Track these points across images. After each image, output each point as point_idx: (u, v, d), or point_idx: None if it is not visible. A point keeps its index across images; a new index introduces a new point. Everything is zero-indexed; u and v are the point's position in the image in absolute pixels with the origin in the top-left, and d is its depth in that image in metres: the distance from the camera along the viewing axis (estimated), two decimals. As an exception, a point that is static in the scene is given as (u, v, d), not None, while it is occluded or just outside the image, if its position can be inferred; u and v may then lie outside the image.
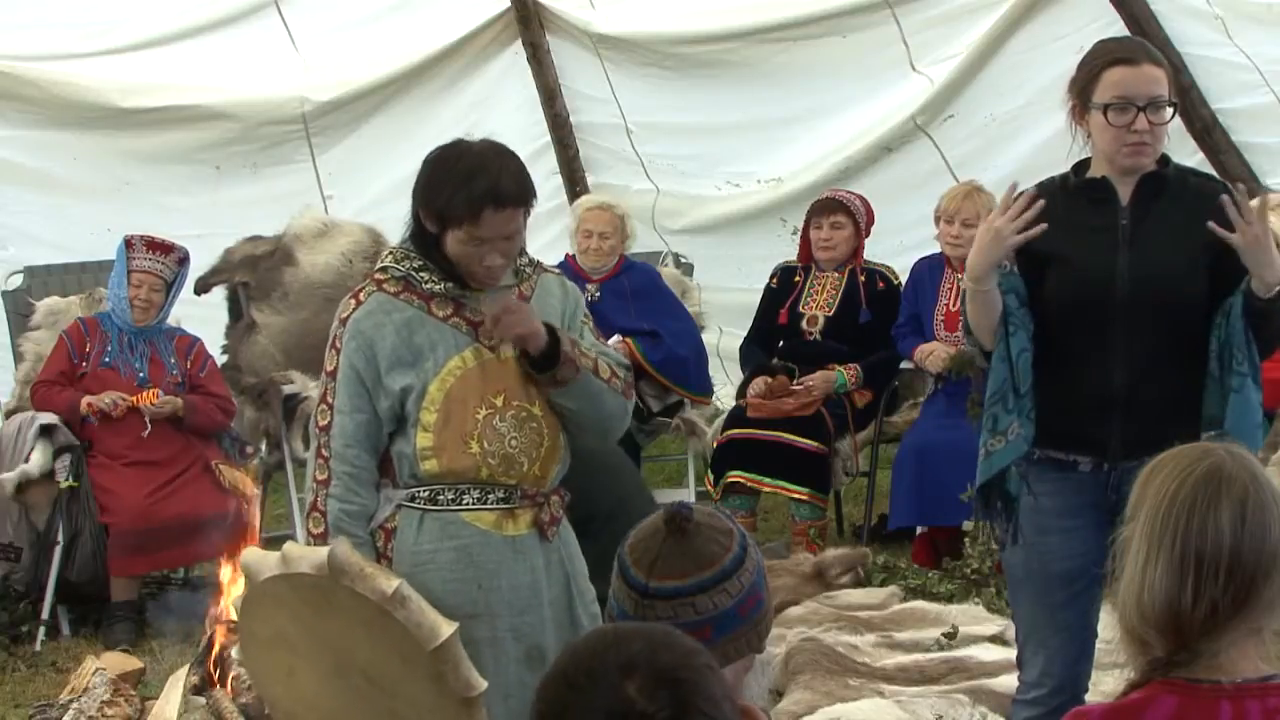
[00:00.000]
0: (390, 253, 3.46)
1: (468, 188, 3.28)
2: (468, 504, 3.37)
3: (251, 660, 3.45)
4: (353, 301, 3.42)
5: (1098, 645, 3.79)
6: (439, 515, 3.37)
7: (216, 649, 4.72)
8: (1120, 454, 3.57)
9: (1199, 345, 3.58)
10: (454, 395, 3.34)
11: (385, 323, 3.36)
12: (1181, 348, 3.56)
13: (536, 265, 3.56)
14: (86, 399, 6.01)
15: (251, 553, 3.40)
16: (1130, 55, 3.57)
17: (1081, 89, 3.60)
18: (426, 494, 3.38)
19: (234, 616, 3.29)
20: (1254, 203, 3.49)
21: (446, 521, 3.37)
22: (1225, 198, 3.47)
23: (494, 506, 3.39)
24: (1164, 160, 3.65)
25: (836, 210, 6.78)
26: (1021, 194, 3.55)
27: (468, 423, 3.34)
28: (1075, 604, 3.66)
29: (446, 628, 3.11)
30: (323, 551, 3.17)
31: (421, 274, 3.38)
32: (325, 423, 3.39)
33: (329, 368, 3.40)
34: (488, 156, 3.34)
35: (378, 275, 3.44)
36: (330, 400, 3.38)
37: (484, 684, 3.16)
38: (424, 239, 3.40)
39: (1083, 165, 3.70)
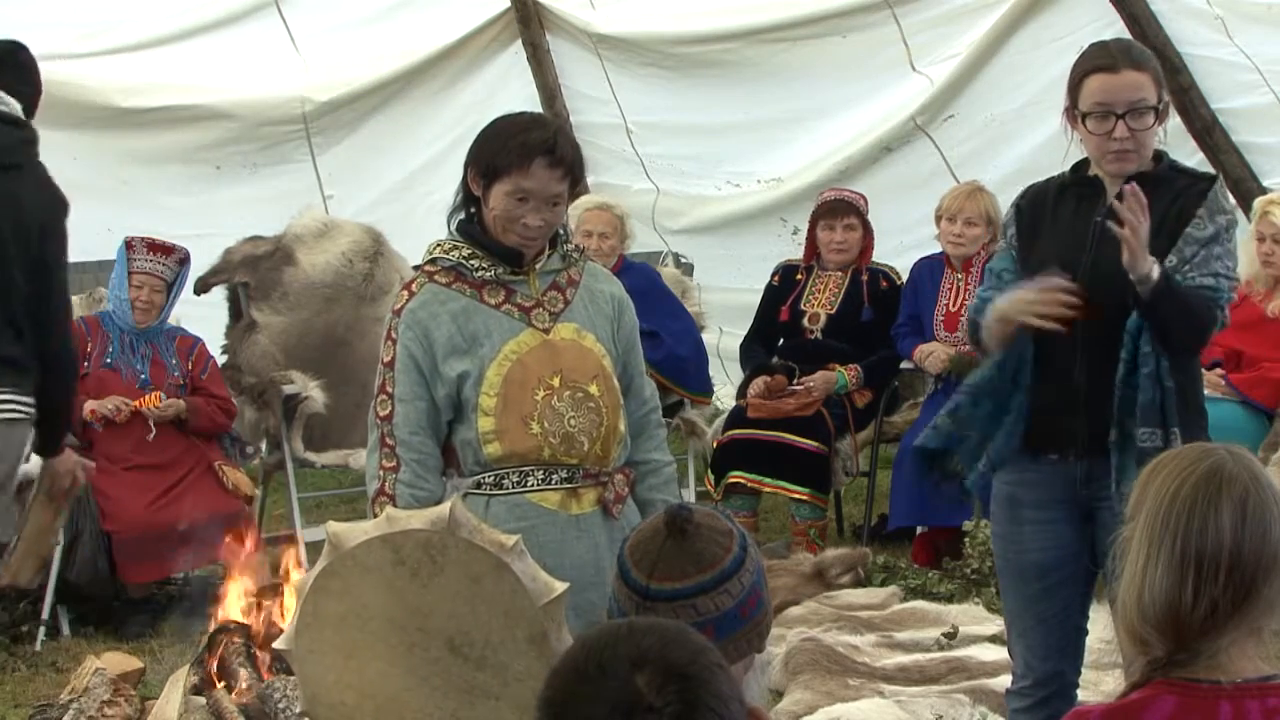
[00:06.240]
0: (438, 244, 3.51)
1: (524, 135, 3.39)
2: (532, 485, 3.41)
3: (306, 644, 3.29)
4: (405, 293, 3.50)
5: (1098, 645, 3.80)
6: (505, 499, 3.41)
7: (218, 649, 4.72)
8: (1084, 453, 3.58)
9: None
10: (512, 378, 3.39)
11: (440, 312, 3.42)
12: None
13: (582, 251, 3.62)
14: (89, 405, 5.98)
15: (337, 524, 3.30)
16: (1110, 62, 3.53)
17: (1070, 94, 3.61)
18: (491, 479, 3.42)
19: (294, 597, 3.18)
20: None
21: (514, 504, 3.41)
22: (1127, 186, 3.42)
23: (558, 486, 3.43)
24: (1158, 157, 3.63)
25: (848, 212, 6.80)
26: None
27: (526, 404, 3.38)
28: (1053, 597, 3.67)
29: (560, 584, 3.10)
30: (437, 509, 3.13)
31: (472, 262, 3.43)
32: (386, 412, 3.43)
33: (385, 359, 3.45)
34: (549, 120, 3.56)
35: (427, 267, 3.51)
36: (390, 390, 3.44)
37: None
38: (468, 212, 3.46)
39: (1082, 164, 3.71)
